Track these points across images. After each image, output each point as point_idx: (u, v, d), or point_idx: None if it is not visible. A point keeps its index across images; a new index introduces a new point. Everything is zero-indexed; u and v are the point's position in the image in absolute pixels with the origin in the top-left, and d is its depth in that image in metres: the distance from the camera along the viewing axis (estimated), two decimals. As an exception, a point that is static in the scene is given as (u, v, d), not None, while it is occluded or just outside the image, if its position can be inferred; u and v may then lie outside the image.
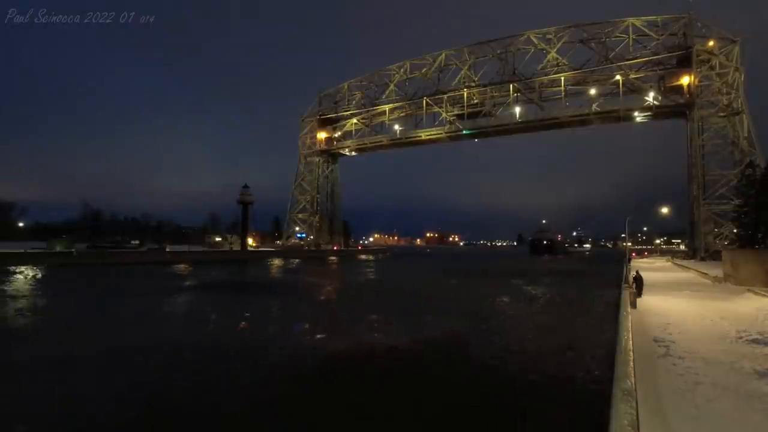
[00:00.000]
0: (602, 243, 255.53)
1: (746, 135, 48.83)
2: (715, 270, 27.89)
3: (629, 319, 10.88)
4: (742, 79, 50.36)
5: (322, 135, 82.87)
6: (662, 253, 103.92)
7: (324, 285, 33.47)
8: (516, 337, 15.46)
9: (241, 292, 28.09)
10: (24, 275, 35.46)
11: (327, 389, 9.85)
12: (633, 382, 5.29)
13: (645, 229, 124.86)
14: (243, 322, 17.63)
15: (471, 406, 8.86)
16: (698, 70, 52.07)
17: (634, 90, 59.00)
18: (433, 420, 8.26)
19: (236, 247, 76.37)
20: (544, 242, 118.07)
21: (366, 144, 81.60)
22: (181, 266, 50.20)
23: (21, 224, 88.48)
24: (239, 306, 22.19)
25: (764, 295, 16.96)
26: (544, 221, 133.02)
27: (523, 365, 11.58)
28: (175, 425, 8.03)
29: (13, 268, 40.58)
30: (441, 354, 13.13)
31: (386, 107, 76.22)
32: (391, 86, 75.69)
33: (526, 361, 11.98)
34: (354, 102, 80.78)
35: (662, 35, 55.11)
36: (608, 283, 32.43)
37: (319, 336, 15.35)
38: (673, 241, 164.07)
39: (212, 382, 10.32)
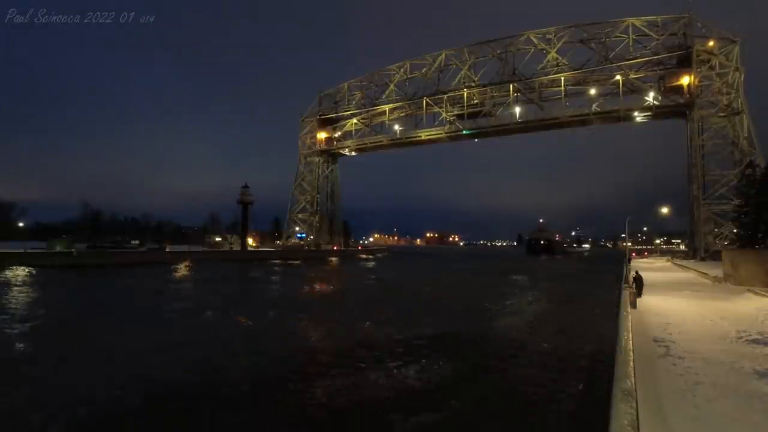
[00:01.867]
0: (602, 243, 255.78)
1: (746, 135, 48.82)
2: (715, 270, 27.87)
3: (629, 319, 10.87)
4: (742, 79, 50.35)
5: (322, 135, 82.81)
6: (662, 253, 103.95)
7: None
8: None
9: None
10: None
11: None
12: (633, 382, 5.28)
13: (645, 229, 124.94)
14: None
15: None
16: (698, 70, 52.05)
17: (634, 90, 58.97)
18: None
19: (236, 247, 76.30)
20: (542, 242, 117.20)
21: (366, 144, 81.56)
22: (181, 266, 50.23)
23: (21, 224, 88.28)
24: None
25: (764, 295, 16.96)
26: (541, 220, 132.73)
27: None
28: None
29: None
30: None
31: (386, 107, 76.15)
32: (391, 86, 75.63)
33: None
34: (354, 102, 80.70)
35: (662, 35, 55.08)
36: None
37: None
38: (673, 241, 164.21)
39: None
